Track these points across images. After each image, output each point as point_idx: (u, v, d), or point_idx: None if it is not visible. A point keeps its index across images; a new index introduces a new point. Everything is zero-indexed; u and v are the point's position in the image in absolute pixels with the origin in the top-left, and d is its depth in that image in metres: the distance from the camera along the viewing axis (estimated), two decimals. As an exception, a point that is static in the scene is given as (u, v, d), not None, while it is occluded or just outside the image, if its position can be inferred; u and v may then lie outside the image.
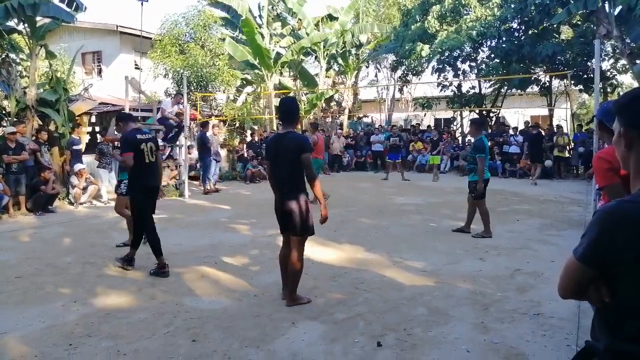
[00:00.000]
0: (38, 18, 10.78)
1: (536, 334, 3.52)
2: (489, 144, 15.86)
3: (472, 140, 7.38)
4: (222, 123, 16.94)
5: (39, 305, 4.22)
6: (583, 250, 1.34)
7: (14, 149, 8.94)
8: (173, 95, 12.71)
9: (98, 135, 15.04)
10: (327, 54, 21.02)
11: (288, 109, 4.20)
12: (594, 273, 1.34)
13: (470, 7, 16.72)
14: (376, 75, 26.25)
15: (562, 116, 20.04)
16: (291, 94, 20.31)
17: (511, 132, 16.65)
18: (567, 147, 15.31)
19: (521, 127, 18.05)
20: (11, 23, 10.96)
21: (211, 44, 18.01)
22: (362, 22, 21.43)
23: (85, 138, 14.85)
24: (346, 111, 23.15)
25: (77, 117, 12.40)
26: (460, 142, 18.11)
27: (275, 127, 18.26)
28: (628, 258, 1.26)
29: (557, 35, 16.89)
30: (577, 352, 1.47)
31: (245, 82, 20.95)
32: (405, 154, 17.80)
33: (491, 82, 18.82)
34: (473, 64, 18.48)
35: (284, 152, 3.99)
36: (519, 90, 18.47)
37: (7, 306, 4.22)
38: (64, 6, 10.93)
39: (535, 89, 18.59)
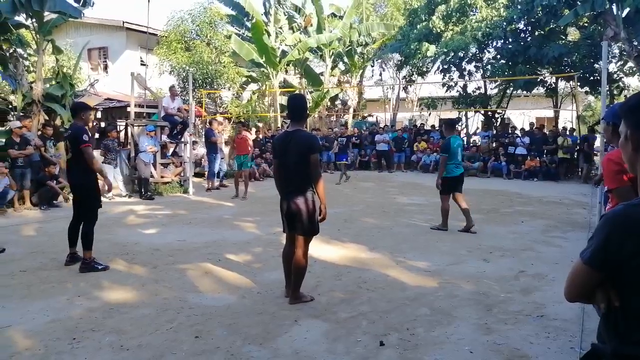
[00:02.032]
0: (45, 13, 10.81)
1: (540, 335, 3.51)
2: (495, 144, 15.99)
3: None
4: (227, 120, 16.97)
5: (44, 299, 4.24)
6: (590, 253, 1.33)
7: (19, 143, 8.98)
8: (169, 90, 12.61)
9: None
10: (332, 52, 21.01)
11: (296, 106, 4.13)
12: (601, 276, 1.33)
13: (477, 7, 16.66)
14: (381, 75, 26.24)
15: (567, 118, 19.98)
16: (296, 92, 20.32)
17: (518, 132, 16.58)
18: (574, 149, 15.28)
19: (526, 128, 17.93)
20: (19, 18, 11.01)
21: (217, 41, 18.04)
22: (367, 21, 21.42)
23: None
24: (351, 110, 23.14)
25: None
26: (465, 142, 18.06)
27: (280, 125, 18.28)
28: (636, 262, 1.25)
29: (564, 37, 16.81)
30: (583, 355, 1.47)
31: (250, 80, 20.97)
32: (410, 153, 17.81)
33: (497, 83, 18.77)
34: (479, 64, 18.43)
35: (293, 151, 3.93)
36: (524, 92, 18.41)
37: (12, 300, 4.24)
38: (71, 1, 10.97)
39: (541, 90, 18.51)
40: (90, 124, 9.27)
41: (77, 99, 12.48)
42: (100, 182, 5.51)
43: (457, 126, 8.34)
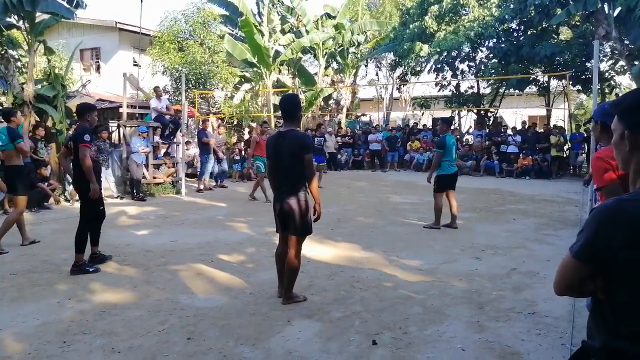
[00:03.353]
0: (37, 14, 10.74)
1: (531, 332, 3.53)
2: (487, 143, 16.04)
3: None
4: (220, 121, 16.93)
5: (34, 302, 4.21)
6: (579, 247, 1.33)
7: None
8: (153, 90, 12.52)
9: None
10: (325, 52, 21.01)
11: (289, 105, 4.10)
12: (590, 270, 1.33)
13: (469, 7, 16.72)
14: (377, 74, 26.28)
15: (559, 116, 20.10)
16: (289, 92, 20.28)
17: (509, 131, 16.68)
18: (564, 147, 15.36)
19: (519, 127, 18.02)
20: (10, 19, 10.92)
21: (210, 41, 17.99)
22: (360, 20, 21.44)
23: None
24: (344, 110, 23.15)
25: (74, 114, 12.36)
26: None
27: (273, 125, 18.25)
28: (625, 256, 1.26)
29: (556, 36, 16.91)
30: (573, 353, 1.47)
31: (243, 80, 20.93)
32: (403, 152, 17.85)
33: (489, 82, 18.84)
34: (472, 64, 18.50)
35: (286, 151, 3.92)
36: (517, 91, 18.51)
37: (2, 303, 4.20)
38: (63, 2, 10.89)
39: (534, 89, 18.63)
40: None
41: (69, 100, 12.42)
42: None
43: (452, 125, 8.44)
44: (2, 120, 6.71)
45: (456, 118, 20.84)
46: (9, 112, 6.60)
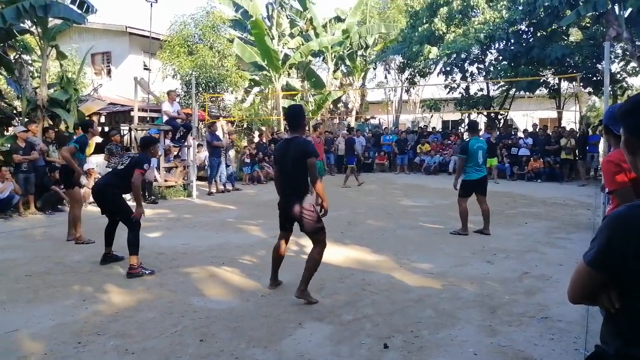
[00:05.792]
0: (49, 19, 10.90)
1: (544, 337, 3.51)
2: (498, 146, 15.91)
3: None
4: (230, 124, 17.01)
5: (49, 303, 4.27)
6: (593, 255, 1.34)
7: (24, 148, 9.03)
8: (167, 94, 12.51)
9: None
10: (334, 55, 21.04)
11: (294, 115, 4.46)
12: (603, 278, 1.33)
13: (479, 9, 16.67)
14: (386, 77, 26.27)
15: (571, 119, 19.94)
16: (299, 95, 20.43)
17: (521, 134, 16.56)
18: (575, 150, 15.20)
19: (529, 129, 17.90)
20: (24, 24, 11.10)
21: (219, 44, 18.10)
22: (368, 23, 21.46)
23: (96, 138, 14.99)
24: (353, 112, 23.16)
25: (86, 117, 12.53)
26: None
27: (282, 129, 18.32)
28: (638, 263, 1.26)
29: (566, 38, 16.78)
30: (587, 357, 1.47)
31: (253, 83, 21.02)
32: (412, 155, 17.80)
33: (499, 85, 18.74)
34: (481, 66, 18.43)
35: (290, 157, 4.23)
36: (527, 93, 18.37)
37: (18, 304, 4.27)
38: (75, 7, 11.05)
39: (544, 91, 18.49)
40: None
41: (82, 104, 12.58)
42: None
43: (478, 128, 8.02)
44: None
45: (466, 120, 20.76)
46: (86, 123, 7.19)
